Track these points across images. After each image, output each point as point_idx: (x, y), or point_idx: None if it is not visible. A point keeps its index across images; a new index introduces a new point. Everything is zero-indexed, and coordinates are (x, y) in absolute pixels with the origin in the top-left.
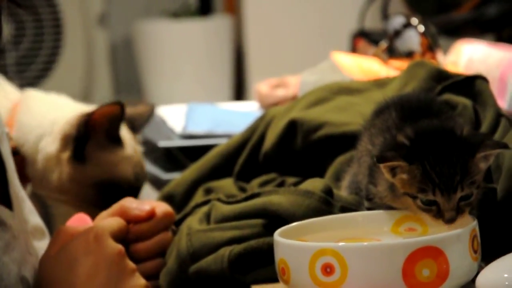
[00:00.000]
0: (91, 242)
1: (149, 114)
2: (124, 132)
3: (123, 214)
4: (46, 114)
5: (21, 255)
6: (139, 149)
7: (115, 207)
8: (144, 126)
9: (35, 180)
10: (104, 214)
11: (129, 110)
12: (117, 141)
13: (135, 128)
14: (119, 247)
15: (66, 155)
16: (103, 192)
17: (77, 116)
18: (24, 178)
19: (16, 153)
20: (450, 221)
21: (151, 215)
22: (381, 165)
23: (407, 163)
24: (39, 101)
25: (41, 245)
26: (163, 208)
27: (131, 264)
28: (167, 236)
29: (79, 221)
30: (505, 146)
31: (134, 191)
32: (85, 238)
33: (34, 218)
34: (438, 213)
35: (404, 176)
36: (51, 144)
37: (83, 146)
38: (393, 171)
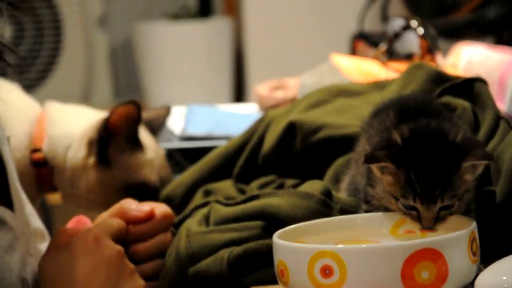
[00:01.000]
0: (90, 243)
1: (166, 115)
2: (144, 135)
3: (122, 215)
4: (73, 124)
5: (22, 256)
6: (161, 151)
7: (115, 208)
8: (162, 128)
9: (65, 188)
10: (103, 215)
11: (147, 113)
12: (138, 144)
13: (153, 130)
14: (119, 248)
15: (92, 160)
16: (131, 195)
17: (97, 121)
18: (49, 188)
19: (43, 164)
20: (427, 228)
21: (150, 216)
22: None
23: (394, 166)
24: (63, 113)
25: (42, 247)
26: (162, 209)
27: (130, 265)
28: (167, 237)
29: (79, 222)
30: (491, 158)
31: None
32: (84, 239)
33: (35, 220)
34: (417, 218)
35: (390, 178)
36: (77, 151)
37: (106, 149)
38: (382, 168)
